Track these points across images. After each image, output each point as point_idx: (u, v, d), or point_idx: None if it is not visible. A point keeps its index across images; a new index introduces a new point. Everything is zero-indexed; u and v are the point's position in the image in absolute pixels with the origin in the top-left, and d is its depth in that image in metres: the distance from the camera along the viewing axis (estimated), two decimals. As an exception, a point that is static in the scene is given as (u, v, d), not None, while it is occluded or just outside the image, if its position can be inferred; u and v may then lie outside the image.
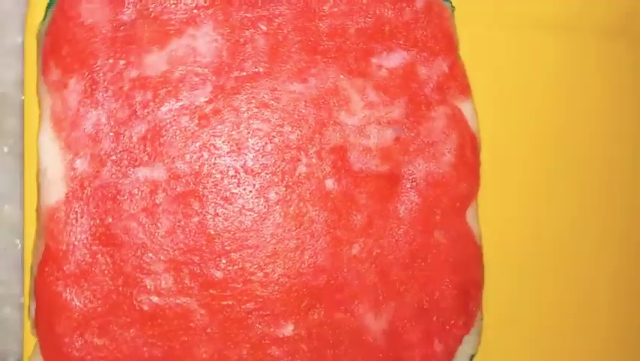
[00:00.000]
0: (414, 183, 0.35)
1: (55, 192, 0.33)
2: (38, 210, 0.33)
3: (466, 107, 0.35)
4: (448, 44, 0.35)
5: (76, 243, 0.32)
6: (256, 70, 0.33)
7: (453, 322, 0.35)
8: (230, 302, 0.33)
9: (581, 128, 0.40)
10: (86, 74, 0.32)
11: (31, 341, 0.33)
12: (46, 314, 0.32)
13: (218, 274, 0.33)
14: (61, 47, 0.32)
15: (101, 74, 0.32)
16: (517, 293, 0.39)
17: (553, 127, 0.39)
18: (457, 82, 0.35)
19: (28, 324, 0.34)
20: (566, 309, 0.39)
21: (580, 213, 0.39)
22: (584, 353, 0.39)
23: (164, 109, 0.32)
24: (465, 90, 0.35)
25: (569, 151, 0.39)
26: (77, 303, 0.32)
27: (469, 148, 0.35)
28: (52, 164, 0.33)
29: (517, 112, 0.39)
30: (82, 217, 0.32)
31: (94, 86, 0.33)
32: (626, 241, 0.40)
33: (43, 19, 0.34)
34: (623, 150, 0.40)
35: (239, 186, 0.33)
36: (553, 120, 0.39)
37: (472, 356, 0.36)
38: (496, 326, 0.37)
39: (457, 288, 0.35)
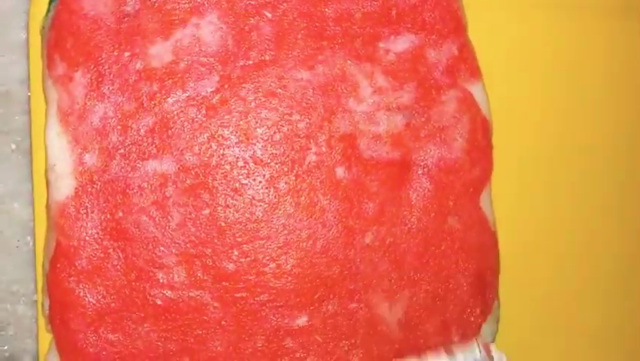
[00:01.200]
0: (425, 170, 0.35)
1: (65, 187, 0.32)
2: (48, 206, 0.33)
3: (476, 90, 0.35)
4: (456, 26, 0.34)
5: (87, 238, 0.32)
6: (262, 58, 0.33)
7: (469, 310, 0.35)
8: (243, 294, 0.33)
9: (589, 107, 0.39)
10: (92, 66, 0.32)
11: (46, 338, 0.33)
12: (60, 311, 0.32)
13: (231, 266, 0.33)
14: (65, 40, 0.32)
15: (106, 67, 0.32)
16: (533, 279, 0.38)
17: (561, 107, 0.39)
18: (467, 64, 0.34)
19: (42, 321, 0.34)
20: (583, 294, 0.39)
21: (594, 195, 0.39)
22: (602, 338, 0.39)
23: (170, 100, 0.32)
24: (475, 73, 0.35)
25: (579, 132, 0.39)
26: (90, 299, 0.32)
27: (480, 132, 0.35)
28: (61, 159, 0.33)
29: (525, 94, 0.38)
30: (92, 212, 0.32)
31: (100, 79, 0.32)
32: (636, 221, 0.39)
33: (47, 13, 0.34)
34: (630, 128, 0.40)
35: (248, 177, 0.33)
36: (561, 100, 0.39)
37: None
38: (513, 313, 0.37)
39: (472, 275, 0.35)
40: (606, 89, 0.39)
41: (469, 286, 0.35)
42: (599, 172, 0.39)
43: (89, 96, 0.32)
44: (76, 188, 0.32)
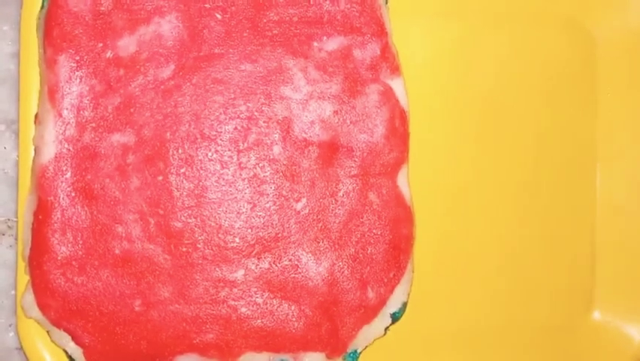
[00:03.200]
0: (351, 151, 0.40)
1: (48, 153, 0.39)
2: (33, 168, 0.40)
3: (396, 85, 0.41)
4: (379, 31, 0.40)
5: (61, 195, 0.38)
6: (212, 51, 0.39)
7: (384, 273, 0.40)
8: (189, 249, 0.39)
9: (508, 101, 0.45)
10: (73, 52, 0.39)
11: (24, 280, 0.40)
12: (37, 255, 0.39)
13: (179, 225, 0.39)
14: (52, 29, 0.38)
15: (83, 54, 0.39)
16: (446, 247, 0.44)
17: (480, 100, 0.44)
18: (388, 63, 0.40)
19: (22, 266, 0.40)
20: (490, 261, 0.44)
21: (504, 177, 0.44)
22: (505, 301, 0.44)
23: (133, 84, 0.39)
24: (395, 70, 0.40)
25: (496, 120, 0.44)
26: (61, 246, 0.38)
27: (398, 120, 0.40)
28: (48, 130, 0.39)
29: (448, 89, 0.44)
30: (66, 174, 0.38)
31: (78, 65, 0.39)
32: (549, 197, 0.44)
33: (41, 8, 0.40)
34: (550, 121, 0.45)
35: (197, 150, 0.39)
36: (480, 95, 0.44)
37: (405, 303, 0.41)
38: (427, 276, 0.42)
39: (388, 243, 0.40)
40: (524, 86, 0.45)
41: (385, 252, 0.40)
42: (512, 154, 0.45)
43: (69, 78, 0.39)
44: (56, 154, 0.39)
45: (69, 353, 0.39)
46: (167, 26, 0.39)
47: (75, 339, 0.38)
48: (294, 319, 0.39)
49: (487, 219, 0.44)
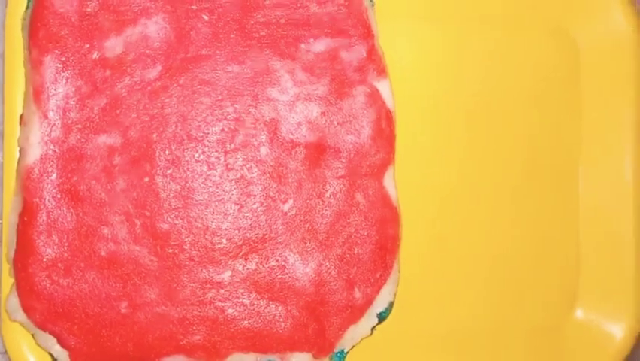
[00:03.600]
0: (338, 152, 0.41)
1: (33, 154, 0.39)
2: (18, 170, 0.39)
3: (382, 87, 0.41)
4: (366, 33, 0.40)
5: (47, 197, 0.38)
6: (199, 53, 0.39)
7: (371, 273, 0.41)
8: (175, 251, 0.39)
9: (494, 104, 0.45)
10: (58, 53, 0.38)
11: (8, 282, 0.39)
12: (22, 258, 0.38)
13: (165, 227, 0.39)
14: (38, 30, 0.38)
15: (69, 55, 0.39)
16: (433, 248, 0.44)
17: (466, 102, 0.45)
18: (374, 65, 0.41)
19: (6, 268, 0.40)
20: (476, 262, 0.44)
21: (489, 179, 0.45)
22: (488, 301, 0.44)
23: (120, 85, 0.38)
24: (382, 72, 0.41)
25: (482, 122, 0.45)
26: (46, 248, 0.38)
27: (384, 121, 0.41)
28: (33, 131, 0.39)
29: (434, 91, 0.44)
30: (52, 175, 0.38)
31: (64, 66, 0.39)
32: (534, 198, 0.45)
33: (26, 9, 0.40)
34: (538, 120, 0.45)
35: (184, 152, 0.39)
36: (466, 97, 0.45)
37: (391, 303, 0.41)
38: (414, 277, 0.43)
39: (374, 243, 0.41)
40: (508, 91, 0.45)
41: (371, 252, 0.40)
42: (498, 156, 0.45)
43: (55, 79, 0.39)
44: (42, 155, 0.39)
45: (54, 356, 0.39)
46: (154, 27, 0.39)
47: (61, 342, 0.38)
48: (281, 319, 0.39)
49: (473, 220, 0.44)
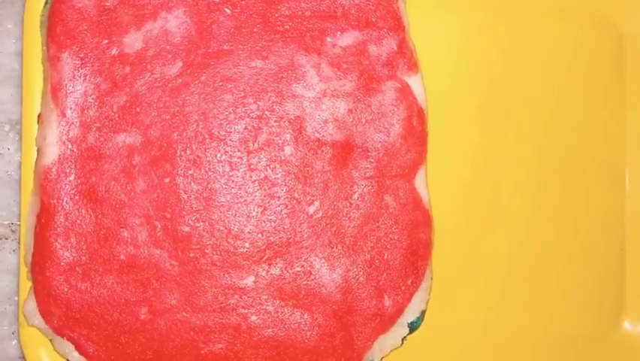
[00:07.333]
0: (366, 151, 0.39)
1: (51, 154, 0.37)
2: (36, 170, 0.38)
3: (414, 82, 0.39)
4: (396, 25, 0.38)
5: (65, 198, 0.37)
6: (221, 48, 0.37)
7: (402, 280, 0.38)
8: (197, 255, 0.37)
9: (533, 100, 0.43)
10: (77, 49, 0.37)
11: (26, 286, 0.38)
12: (40, 261, 0.37)
13: (187, 229, 0.37)
14: (56, 26, 0.37)
15: (87, 51, 0.37)
16: (467, 253, 0.42)
17: (503, 99, 0.42)
18: (405, 59, 0.38)
19: (24, 271, 0.39)
20: (513, 268, 0.42)
21: (527, 180, 0.42)
22: (531, 309, 0.41)
23: (140, 82, 0.37)
24: (413, 67, 0.39)
25: (519, 120, 0.42)
26: (65, 251, 0.37)
27: (416, 119, 0.39)
28: (51, 130, 0.38)
29: (468, 87, 0.42)
30: (70, 176, 0.37)
31: (82, 62, 0.37)
32: (575, 202, 0.42)
33: (45, 4, 0.39)
34: (567, 123, 0.43)
35: (206, 151, 0.38)
36: (503, 93, 0.42)
37: (423, 312, 0.39)
38: (447, 283, 0.40)
39: (405, 248, 0.38)
40: (547, 86, 0.43)
41: (402, 258, 0.38)
42: (535, 155, 0.42)
43: (73, 76, 0.37)
44: (59, 155, 0.38)
45: (73, 362, 0.38)
46: (175, 22, 0.37)
47: (79, 348, 0.37)
48: (306, 328, 0.37)
49: (510, 224, 0.42)
